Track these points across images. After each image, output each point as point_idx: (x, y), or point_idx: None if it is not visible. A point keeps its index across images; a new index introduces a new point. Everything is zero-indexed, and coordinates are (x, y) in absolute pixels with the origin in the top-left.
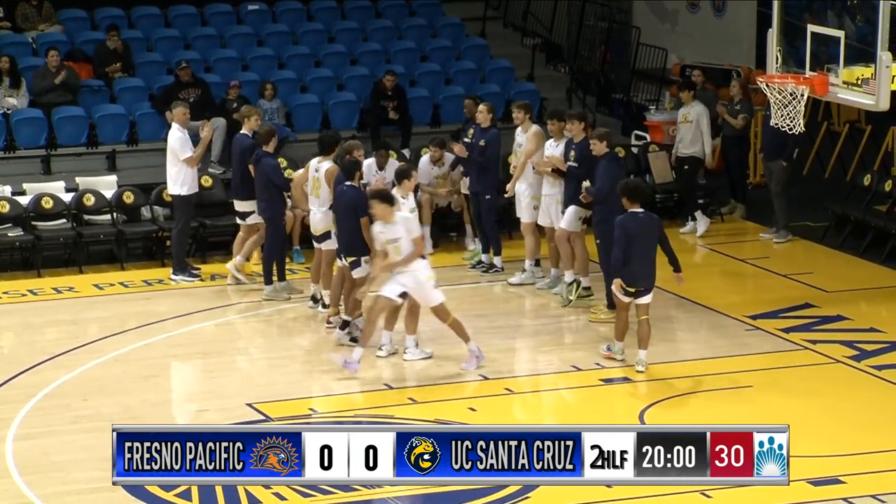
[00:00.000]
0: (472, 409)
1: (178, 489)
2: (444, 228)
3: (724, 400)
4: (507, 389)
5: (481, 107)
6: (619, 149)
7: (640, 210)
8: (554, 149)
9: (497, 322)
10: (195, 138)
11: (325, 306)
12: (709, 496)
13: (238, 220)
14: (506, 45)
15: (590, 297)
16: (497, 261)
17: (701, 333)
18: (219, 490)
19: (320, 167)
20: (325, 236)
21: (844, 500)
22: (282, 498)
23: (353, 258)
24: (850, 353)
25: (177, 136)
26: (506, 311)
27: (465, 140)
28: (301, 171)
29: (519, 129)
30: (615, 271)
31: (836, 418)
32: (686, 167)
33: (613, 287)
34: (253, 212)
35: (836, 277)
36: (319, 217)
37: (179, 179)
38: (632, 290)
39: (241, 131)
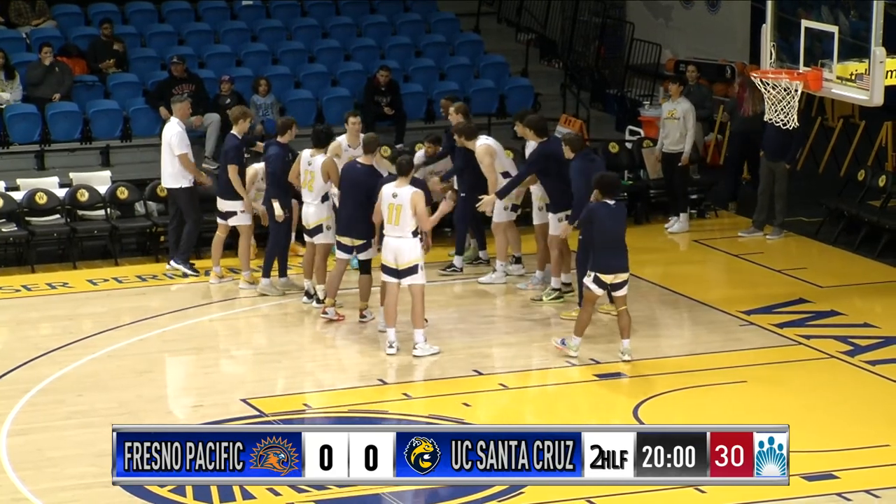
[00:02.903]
0: (467, 405)
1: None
2: (437, 225)
3: (717, 395)
4: (501, 385)
5: (451, 108)
6: (612, 144)
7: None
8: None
9: (492, 317)
10: (190, 133)
11: (319, 301)
12: (703, 491)
13: (218, 220)
14: (500, 41)
15: (561, 300)
16: (458, 260)
17: (694, 329)
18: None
19: (314, 160)
20: (318, 230)
21: (838, 494)
22: (276, 493)
23: (363, 240)
24: (844, 348)
25: (175, 131)
26: (501, 305)
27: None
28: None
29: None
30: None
31: (829, 413)
32: (680, 165)
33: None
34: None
35: (829, 273)
36: (313, 210)
37: (179, 173)
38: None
39: (231, 132)
